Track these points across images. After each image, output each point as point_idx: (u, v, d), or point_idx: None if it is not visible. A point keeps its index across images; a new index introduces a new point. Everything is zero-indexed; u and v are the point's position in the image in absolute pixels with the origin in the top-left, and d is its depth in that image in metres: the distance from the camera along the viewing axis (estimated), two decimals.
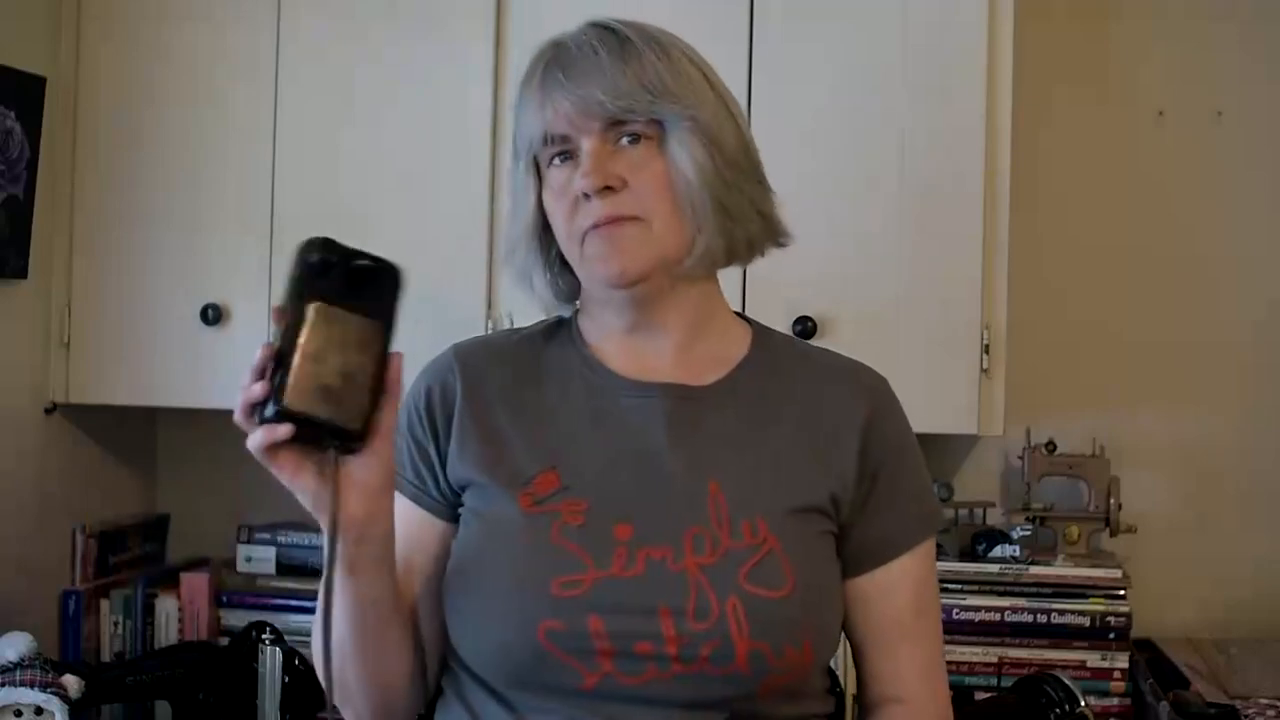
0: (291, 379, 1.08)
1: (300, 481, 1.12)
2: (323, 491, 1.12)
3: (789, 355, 1.39)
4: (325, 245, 1.11)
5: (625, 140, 1.27)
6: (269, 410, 1.09)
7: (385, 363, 1.12)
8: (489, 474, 1.30)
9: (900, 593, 1.33)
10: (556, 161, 1.29)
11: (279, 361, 1.09)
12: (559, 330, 1.40)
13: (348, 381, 1.10)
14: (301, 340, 1.09)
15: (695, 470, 1.28)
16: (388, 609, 1.24)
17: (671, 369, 1.33)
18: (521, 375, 1.35)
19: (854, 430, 1.32)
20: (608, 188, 1.25)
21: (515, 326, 1.49)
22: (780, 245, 1.37)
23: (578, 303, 1.38)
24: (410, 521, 1.30)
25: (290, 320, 1.09)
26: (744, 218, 1.31)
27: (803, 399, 1.34)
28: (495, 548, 1.27)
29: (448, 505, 1.34)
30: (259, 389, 1.09)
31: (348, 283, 1.11)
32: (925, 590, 1.36)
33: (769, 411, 1.33)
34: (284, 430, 1.08)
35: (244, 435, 1.15)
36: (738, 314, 1.41)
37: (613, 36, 1.28)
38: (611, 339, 1.35)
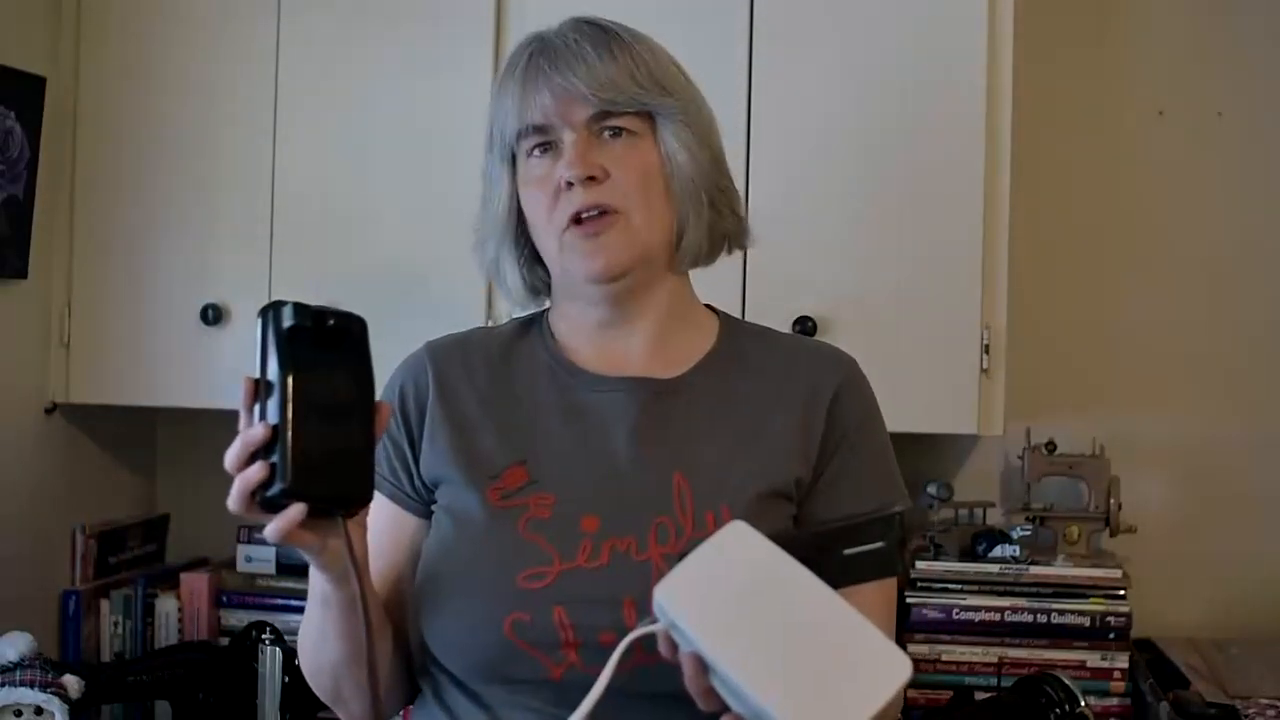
0: (290, 457, 1.05)
1: (316, 544, 1.13)
2: (328, 551, 1.14)
3: (757, 343, 1.39)
4: (296, 311, 1.07)
5: (608, 134, 1.29)
6: (274, 491, 1.06)
7: (372, 417, 1.10)
8: (459, 468, 1.31)
9: None
10: (536, 153, 1.30)
11: (272, 439, 1.05)
12: (531, 327, 1.41)
13: (342, 447, 1.08)
14: (290, 415, 1.05)
15: (662, 462, 1.28)
16: (378, 623, 1.27)
17: (641, 363, 1.34)
18: (493, 371, 1.36)
19: (822, 406, 1.32)
20: (590, 178, 1.27)
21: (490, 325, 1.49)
22: (743, 248, 1.40)
23: (548, 302, 1.39)
24: (390, 520, 1.30)
25: (275, 394, 1.06)
26: (724, 214, 1.35)
27: (771, 385, 1.34)
28: (464, 543, 1.28)
29: (423, 503, 1.35)
30: (257, 472, 1.07)
31: (319, 345, 1.07)
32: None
33: (737, 400, 1.33)
34: (297, 511, 1.07)
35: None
36: (706, 306, 1.42)
37: (599, 31, 1.30)
38: (582, 335, 1.36)
